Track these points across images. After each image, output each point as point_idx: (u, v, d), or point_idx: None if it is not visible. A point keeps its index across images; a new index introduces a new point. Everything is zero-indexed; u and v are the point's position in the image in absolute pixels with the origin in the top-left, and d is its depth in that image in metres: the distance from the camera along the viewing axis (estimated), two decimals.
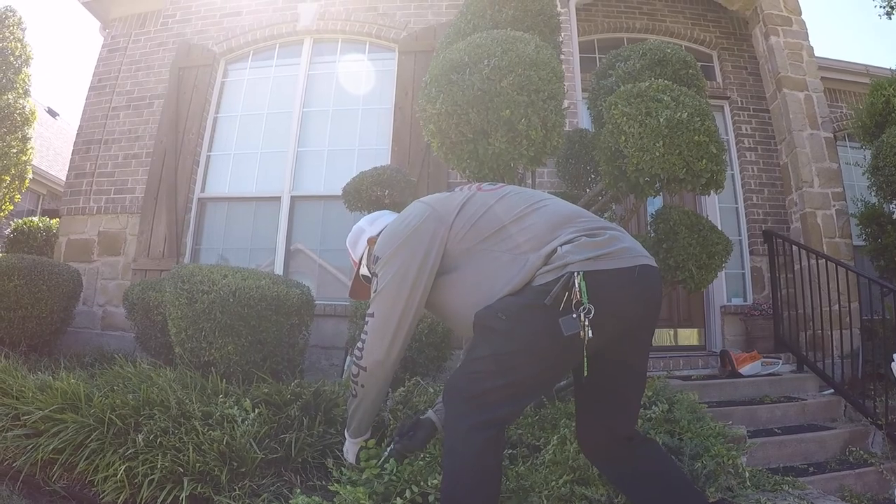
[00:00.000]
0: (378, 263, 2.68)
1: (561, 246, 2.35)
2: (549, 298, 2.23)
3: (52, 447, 3.73)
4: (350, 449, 3.25)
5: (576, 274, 2.23)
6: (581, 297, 2.20)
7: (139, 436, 3.71)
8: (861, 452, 5.40)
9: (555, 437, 3.71)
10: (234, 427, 3.81)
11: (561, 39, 5.62)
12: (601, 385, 2.48)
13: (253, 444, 3.75)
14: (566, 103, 4.73)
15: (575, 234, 2.38)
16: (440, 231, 2.58)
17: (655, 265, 2.49)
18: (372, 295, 2.70)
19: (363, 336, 2.71)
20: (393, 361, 2.71)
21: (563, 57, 5.97)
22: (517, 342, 2.32)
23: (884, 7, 15.28)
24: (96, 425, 3.81)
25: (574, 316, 2.21)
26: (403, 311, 2.61)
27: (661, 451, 2.74)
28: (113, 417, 3.82)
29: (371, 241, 3.05)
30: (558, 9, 5.68)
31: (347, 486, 3.12)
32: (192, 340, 4.93)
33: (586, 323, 2.19)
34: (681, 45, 8.95)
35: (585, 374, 2.32)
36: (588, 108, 6.12)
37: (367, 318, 2.69)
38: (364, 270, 3.17)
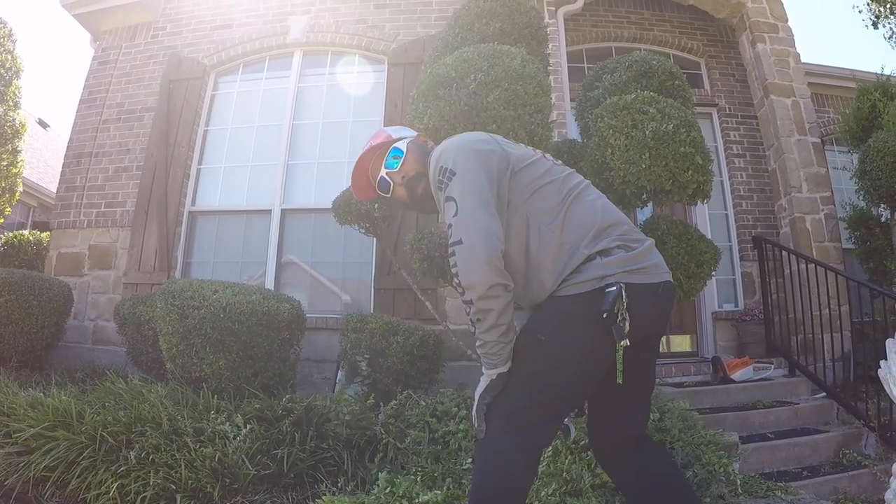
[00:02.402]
0: (453, 181, 2.42)
1: (599, 256, 2.37)
2: (606, 310, 2.26)
3: (43, 465, 3.74)
4: (487, 379, 2.46)
5: (622, 286, 2.28)
6: (624, 307, 2.26)
7: (131, 453, 3.72)
8: (854, 455, 5.42)
9: (548, 449, 3.73)
10: (226, 443, 3.83)
11: (549, 51, 5.65)
12: (614, 388, 2.51)
13: (245, 460, 3.76)
14: (554, 114, 4.76)
15: (613, 245, 2.41)
16: (504, 171, 2.48)
17: (671, 279, 2.55)
18: (450, 220, 2.39)
19: (455, 271, 2.34)
20: (500, 261, 2.32)
21: (551, 68, 5.99)
22: (559, 358, 2.37)
23: (870, 17, 15.38)
24: (88, 442, 3.82)
25: (619, 325, 2.26)
26: (492, 229, 2.32)
27: (670, 459, 2.77)
28: (105, 434, 3.84)
29: (420, 136, 2.94)
30: (546, 20, 5.73)
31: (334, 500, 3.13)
32: (183, 356, 4.94)
33: (627, 330, 2.26)
34: (669, 54, 9.08)
35: (620, 380, 2.36)
36: (576, 120, 6.15)
37: (452, 250, 2.36)
38: (401, 145, 2.84)
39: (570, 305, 2.36)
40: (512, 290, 2.34)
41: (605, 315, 2.26)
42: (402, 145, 2.82)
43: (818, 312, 6.72)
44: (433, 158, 2.58)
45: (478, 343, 2.38)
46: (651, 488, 2.62)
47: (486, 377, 2.44)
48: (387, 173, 2.81)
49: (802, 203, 7.74)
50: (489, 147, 2.52)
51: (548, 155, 2.75)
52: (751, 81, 8.79)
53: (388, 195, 2.86)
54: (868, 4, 15.38)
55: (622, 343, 2.27)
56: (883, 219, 7.61)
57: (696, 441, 4.06)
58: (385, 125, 7.43)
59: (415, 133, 2.95)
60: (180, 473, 3.59)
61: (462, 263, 2.30)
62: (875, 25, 15.26)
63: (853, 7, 17.95)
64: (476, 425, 2.45)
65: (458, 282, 2.33)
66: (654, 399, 4.63)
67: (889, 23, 15.14)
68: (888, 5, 14.90)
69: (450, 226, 2.38)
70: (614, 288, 2.27)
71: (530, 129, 4.20)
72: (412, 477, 3.54)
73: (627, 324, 2.26)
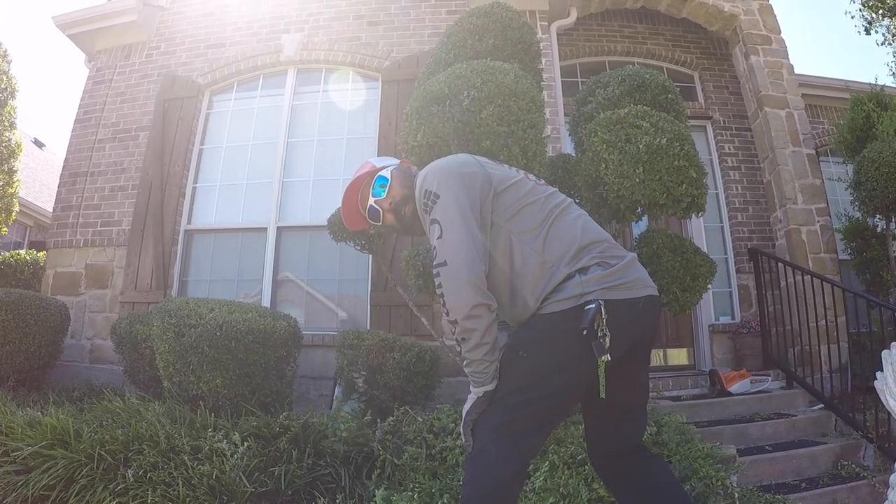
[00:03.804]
0: (437, 204, 2.48)
1: (578, 273, 2.43)
2: (585, 327, 2.30)
3: (42, 483, 3.74)
4: (473, 397, 2.55)
5: (601, 303, 2.33)
6: (604, 323, 2.31)
7: (129, 471, 3.72)
8: (853, 466, 5.38)
9: (545, 464, 3.72)
10: (223, 461, 3.82)
11: (542, 66, 5.65)
12: (608, 400, 2.52)
13: (242, 477, 3.75)
14: (548, 129, 4.76)
15: (591, 262, 2.46)
16: (489, 195, 2.55)
17: (656, 293, 2.60)
18: (434, 242, 2.47)
19: (440, 291, 2.42)
20: (483, 282, 2.38)
21: (544, 83, 5.99)
22: (542, 374, 2.41)
23: (862, 23, 15.52)
24: (86, 461, 3.82)
25: (600, 340, 2.30)
26: (474, 251, 2.39)
27: (668, 470, 2.78)
28: (102, 453, 3.84)
29: (405, 161, 3.00)
30: (538, 35, 5.73)
31: None
32: (180, 374, 4.93)
33: (607, 346, 2.30)
34: (662, 67, 9.10)
35: (603, 395, 2.38)
36: (570, 134, 6.16)
37: (436, 271, 2.43)
38: (385, 173, 2.89)
39: (550, 323, 2.41)
40: (495, 309, 2.41)
41: (584, 332, 2.30)
42: (386, 173, 2.89)
43: (815, 324, 6.73)
44: (418, 181, 2.64)
45: (464, 362, 2.45)
46: (650, 500, 2.63)
47: (473, 395, 2.51)
48: (375, 201, 2.87)
49: (798, 214, 7.76)
50: (472, 169, 2.58)
51: (530, 175, 2.81)
52: (745, 93, 8.83)
53: (379, 223, 2.93)
54: (860, 10, 15.54)
55: (603, 358, 2.31)
56: (879, 229, 7.61)
57: (694, 454, 4.05)
58: (379, 141, 7.51)
59: (398, 161, 3.01)
60: (178, 491, 3.58)
61: (446, 284, 2.38)
62: (868, 31, 15.41)
63: (846, 13, 18.13)
64: (464, 440, 2.52)
65: (442, 302, 2.41)
66: (650, 412, 4.62)
67: (881, 27, 15.28)
68: (880, 11, 15.04)
69: (434, 247, 2.45)
70: (593, 305, 2.32)
71: (524, 145, 4.21)
72: (409, 493, 3.53)
73: (608, 339, 2.30)
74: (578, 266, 2.44)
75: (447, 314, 2.40)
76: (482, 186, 2.53)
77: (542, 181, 2.81)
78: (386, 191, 2.84)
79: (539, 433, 2.49)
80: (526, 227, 2.53)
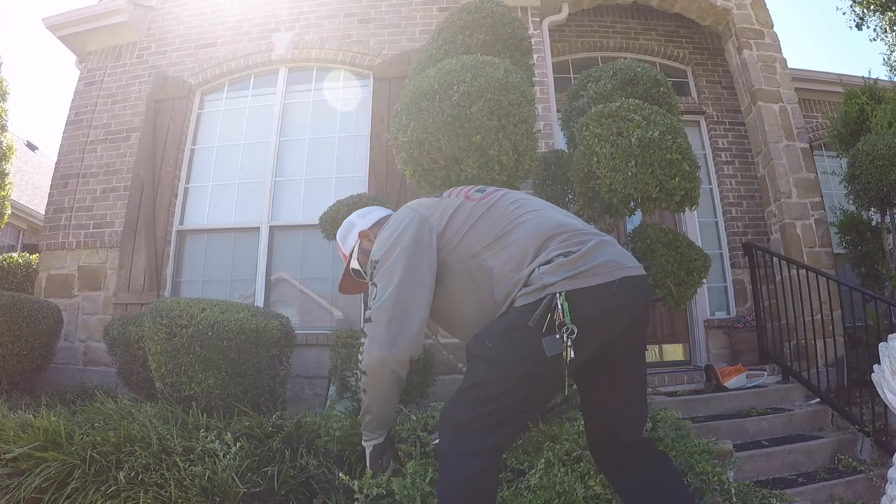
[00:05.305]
0: (376, 269, 2.67)
1: (538, 267, 2.38)
2: (532, 321, 2.27)
3: (34, 486, 3.70)
4: (366, 448, 3.08)
5: (558, 295, 2.27)
6: (564, 317, 2.24)
7: (120, 473, 3.69)
8: (850, 460, 5.37)
9: (541, 462, 3.69)
10: (215, 462, 3.79)
11: (534, 62, 5.64)
12: (599, 393, 2.52)
13: (235, 478, 3.72)
14: (540, 125, 4.75)
15: (553, 254, 2.41)
16: (432, 240, 2.61)
17: (639, 273, 2.51)
18: (370, 302, 2.64)
19: (363, 341, 2.65)
20: (397, 359, 2.59)
21: (536, 79, 5.97)
22: (505, 367, 2.36)
23: (853, 19, 15.54)
24: (78, 463, 3.79)
25: (557, 336, 2.24)
26: (406, 306, 2.56)
27: (671, 465, 2.76)
28: (94, 455, 3.81)
29: (362, 235, 3.13)
30: (530, 31, 5.70)
31: None
32: (172, 375, 4.90)
33: (569, 343, 2.23)
34: (655, 63, 9.08)
35: (566, 392, 2.38)
36: (562, 130, 6.14)
37: (364, 324, 2.67)
38: (354, 264, 3.18)
39: (515, 315, 2.38)
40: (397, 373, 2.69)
41: (529, 325, 2.29)
42: (355, 265, 3.20)
43: (810, 318, 6.72)
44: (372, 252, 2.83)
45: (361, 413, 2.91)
46: (651, 493, 2.61)
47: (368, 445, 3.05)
48: (364, 282, 3.16)
49: (792, 209, 7.75)
50: (411, 230, 2.67)
51: (471, 192, 2.84)
52: (738, 88, 8.82)
53: None
54: (851, 5, 15.56)
55: (565, 355, 2.25)
56: (873, 223, 7.62)
57: (690, 450, 4.02)
58: (371, 139, 7.57)
59: (357, 232, 3.21)
60: (170, 493, 3.55)
61: (371, 335, 2.63)
62: (859, 27, 15.44)
63: (836, 9, 18.19)
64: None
65: (361, 351, 2.68)
66: None
67: (873, 22, 15.31)
68: (870, 6, 15.06)
69: (370, 307, 2.67)
70: (546, 297, 2.30)
71: (515, 140, 4.19)
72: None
73: (568, 335, 2.25)
74: (541, 259, 2.41)
75: (360, 359, 2.65)
76: (429, 241, 2.63)
77: (486, 191, 2.82)
78: (366, 276, 3.04)
79: (507, 427, 2.45)
80: (472, 251, 2.57)
